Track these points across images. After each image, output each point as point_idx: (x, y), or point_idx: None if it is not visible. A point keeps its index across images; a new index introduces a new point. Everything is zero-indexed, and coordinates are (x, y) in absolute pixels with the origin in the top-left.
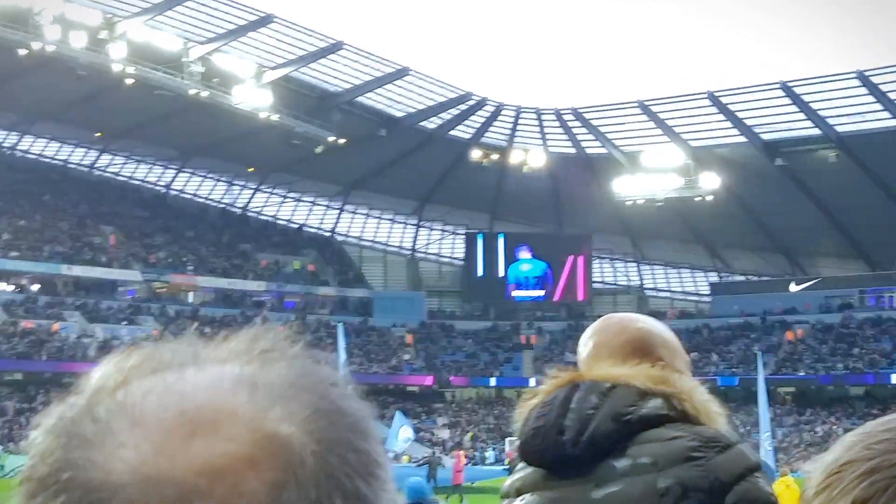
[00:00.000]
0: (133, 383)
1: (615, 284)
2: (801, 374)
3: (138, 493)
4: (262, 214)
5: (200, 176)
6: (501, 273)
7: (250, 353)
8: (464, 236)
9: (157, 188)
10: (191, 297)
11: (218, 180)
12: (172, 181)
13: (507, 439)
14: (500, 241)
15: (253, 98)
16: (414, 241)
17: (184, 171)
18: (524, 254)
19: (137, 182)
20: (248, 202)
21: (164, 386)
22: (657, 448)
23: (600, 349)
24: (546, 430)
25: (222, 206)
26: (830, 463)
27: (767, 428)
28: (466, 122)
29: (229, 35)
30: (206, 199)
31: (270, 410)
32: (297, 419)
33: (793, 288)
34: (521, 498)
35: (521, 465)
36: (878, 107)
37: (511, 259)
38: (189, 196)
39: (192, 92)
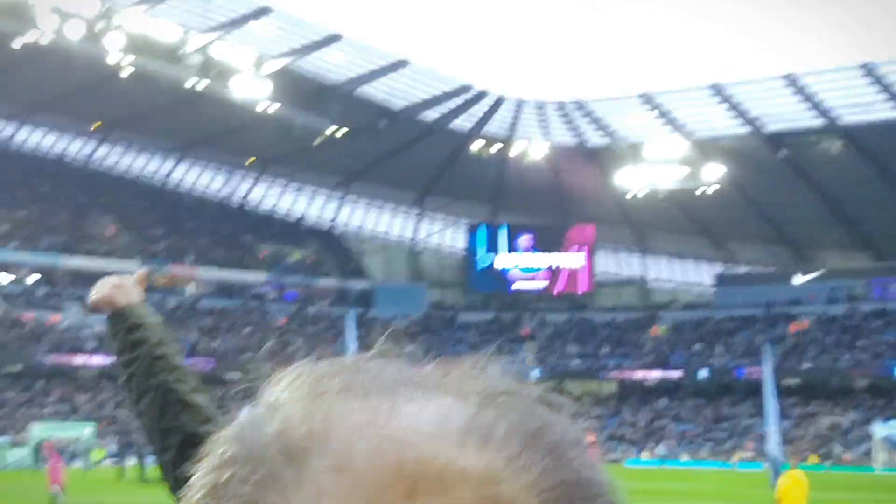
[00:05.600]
0: (334, 408)
1: (618, 276)
2: (807, 365)
3: None
4: (262, 206)
5: (199, 167)
6: (503, 264)
7: (473, 391)
8: (465, 227)
9: (156, 179)
10: (190, 289)
11: (217, 171)
12: (171, 172)
13: None
14: (502, 233)
15: (252, 89)
16: (415, 232)
17: (182, 162)
18: (526, 245)
19: (136, 173)
20: (248, 193)
21: (374, 425)
22: None
23: None
24: None
25: (221, 197)
26: None
27: (775, 420)
28: (466, 114)
29: (228, 25)
30: (205, 190)
31: (505, 473)
32: (535, 489)
33: (797, 279)
34: None
35: None
36: (884, 97)
37: (513, 250)
38: (188, 187)
39: (190, 83)
